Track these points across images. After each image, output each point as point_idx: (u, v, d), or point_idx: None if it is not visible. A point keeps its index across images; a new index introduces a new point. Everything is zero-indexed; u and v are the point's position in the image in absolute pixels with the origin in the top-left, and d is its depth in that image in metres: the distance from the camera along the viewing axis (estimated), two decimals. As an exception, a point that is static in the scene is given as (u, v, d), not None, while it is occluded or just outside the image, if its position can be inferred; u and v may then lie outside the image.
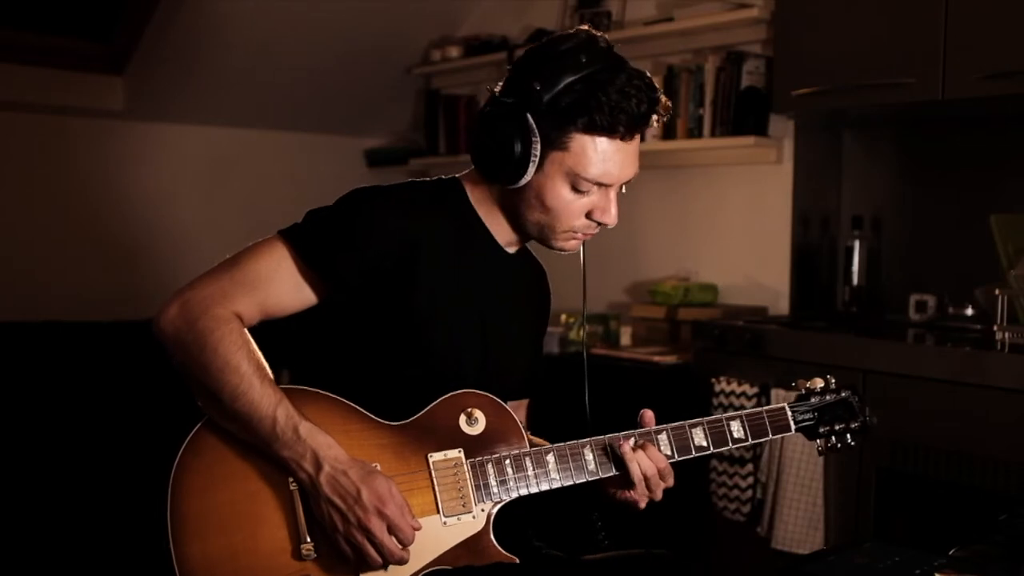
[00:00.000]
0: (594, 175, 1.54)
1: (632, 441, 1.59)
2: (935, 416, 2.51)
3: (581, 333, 3.52)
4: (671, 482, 1.61)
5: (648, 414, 1.64)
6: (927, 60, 2.74)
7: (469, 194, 1.66)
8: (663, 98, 1.57)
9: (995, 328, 2.64)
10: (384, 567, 1.50)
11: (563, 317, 3.65)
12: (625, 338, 3.63)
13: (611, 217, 1.59)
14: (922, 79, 2.76)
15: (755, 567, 2.88)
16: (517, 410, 1.81)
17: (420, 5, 4.32)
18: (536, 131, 1.52)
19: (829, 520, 2.75)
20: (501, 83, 1.60)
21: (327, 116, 4.57)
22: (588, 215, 1.59)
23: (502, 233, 1.67)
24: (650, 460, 1.58)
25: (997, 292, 2.64)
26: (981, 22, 2.66)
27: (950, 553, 1.83)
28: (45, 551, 3.24)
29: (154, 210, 4.19)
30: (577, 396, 1.76)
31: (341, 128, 4.68)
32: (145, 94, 4.05)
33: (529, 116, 1.52)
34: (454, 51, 4.41)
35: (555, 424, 1.83)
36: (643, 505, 1.62)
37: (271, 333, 1.66)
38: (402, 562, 1.50)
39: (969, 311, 2.96)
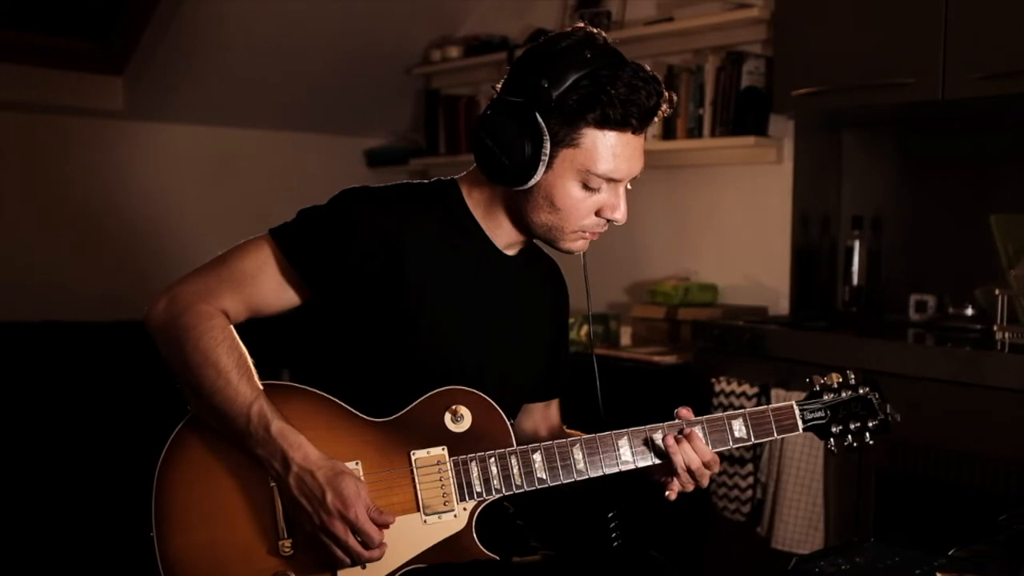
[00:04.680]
0: (605, 170, 1.52)
1: (674, 434, 1.59)
2: (935, 416, 2.51)
3: (583, 332, 3.52)
4: (716, 469, 1.63)
5: (683, 412, 1.62)
6: (927, 60, 2.74)
7: (466, 196, 1.63)
8: (667, 91, 1.56)
9: (995, 328, 2.64)
10: (353, 566, 1.50)
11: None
12: (625, 338, 3.63)
13: (621, 213, 1.57)
14: (922, 79, 2.76)
15: (755, 567, 2.88)
16: (543, 410, 1.80)
17: (420, 5, 4.32)
18: (546, 130, 1.49)
19: (829, 520, 2.75)
20: (499, 84, 1.58)
21: (327, 116, 4.57)
22: (597, 213, 1.57)
23: (501, 235, 1.64)
24: (695, 452, 1.57)
25: (997, 292, 2.64)
26: (981, 22, 2.66)
27: (950, 553, 1.83)
28: (43, 549, 3.24)
29: (153, 210, 4.19)
30: (581, 396, 1.75)
31: (341, 128, 4.68)
32: (144, 94, 4.04)
33: (538, 115, 1.49)
34: (454, 51, 4.41)
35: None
36: (689, 488, 1.63)
37: (273, 331, 1.66)
38: (371, 560, 1.49)
39: (969, 311, 2.97)
